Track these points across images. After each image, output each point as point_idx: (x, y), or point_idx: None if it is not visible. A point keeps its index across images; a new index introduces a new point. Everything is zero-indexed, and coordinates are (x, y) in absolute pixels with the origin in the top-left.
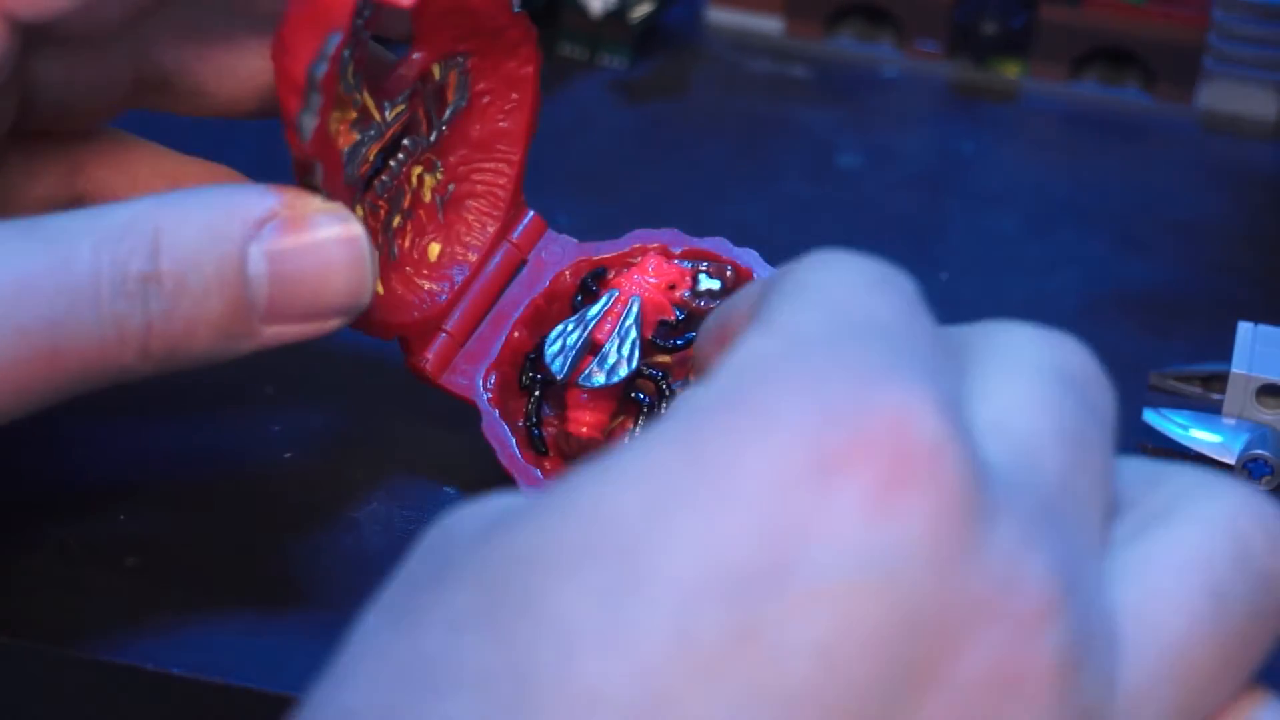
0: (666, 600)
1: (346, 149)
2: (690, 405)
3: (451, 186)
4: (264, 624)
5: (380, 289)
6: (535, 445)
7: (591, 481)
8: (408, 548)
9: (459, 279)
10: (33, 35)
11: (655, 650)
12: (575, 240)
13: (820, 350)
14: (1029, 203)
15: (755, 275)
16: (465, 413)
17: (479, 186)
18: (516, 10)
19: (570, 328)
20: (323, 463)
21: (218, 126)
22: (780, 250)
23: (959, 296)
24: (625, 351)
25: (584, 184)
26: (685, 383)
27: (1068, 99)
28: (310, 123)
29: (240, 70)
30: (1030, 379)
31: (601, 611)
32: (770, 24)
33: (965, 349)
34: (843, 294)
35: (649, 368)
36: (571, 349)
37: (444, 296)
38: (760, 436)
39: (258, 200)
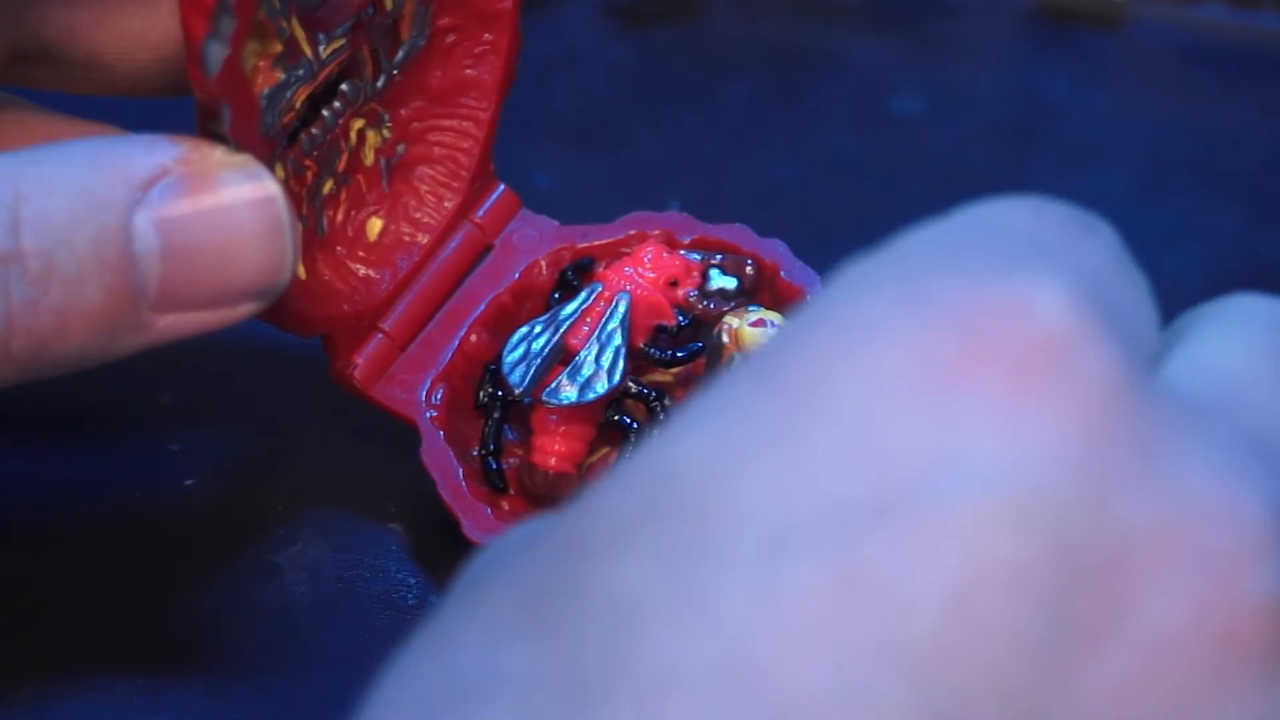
0: (747, 554)
1: (266, 91)
2: (771, 340)
3: (401, 148)
4: (159, 700)
5: (302, 271)
6: (491, 479)
7: (649, 445)
8: (343, 599)
9: (404, 265)
10: None
11: (737, 614)
12: (556, 222)
13: (928, 252)
14: (1138, 159)
15: (782, 271)
16: (408, 432)
17: (436, 150)
18: None
19: (538, 329)
20: (233, 492)
21: (127, 109)
22: (819, 220)
23: None
24: (606, 362)
25: (567, 136)
26: None
27: (1187, 26)
28: (218, 53)
29: (150, 34)
30: (1244, 327)
31: (667, 580)
32: None
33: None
34: (998, 212)
35: (639, 385)
36: (537, 356)
37: (384, 286)
38: (851, 351)
39: (144, 154)
